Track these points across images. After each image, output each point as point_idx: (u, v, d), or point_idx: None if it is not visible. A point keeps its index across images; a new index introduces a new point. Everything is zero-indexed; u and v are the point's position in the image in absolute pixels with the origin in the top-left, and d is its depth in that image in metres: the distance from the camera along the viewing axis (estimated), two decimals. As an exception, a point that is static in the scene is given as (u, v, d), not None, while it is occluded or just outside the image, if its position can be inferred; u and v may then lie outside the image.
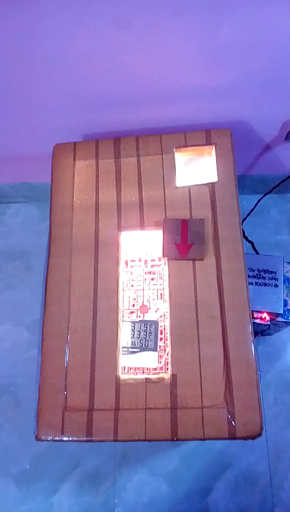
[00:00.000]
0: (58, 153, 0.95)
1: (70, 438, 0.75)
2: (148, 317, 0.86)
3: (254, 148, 1.15)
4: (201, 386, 0.76)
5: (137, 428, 0.74)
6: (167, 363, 0.80)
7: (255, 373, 0.75)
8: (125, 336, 0.84)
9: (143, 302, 0.87)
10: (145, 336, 0.85)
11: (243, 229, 1.22)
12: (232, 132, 0.93)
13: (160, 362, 0.82)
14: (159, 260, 0.88)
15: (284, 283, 1.01)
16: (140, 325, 0.86)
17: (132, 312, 0.86)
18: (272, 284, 0.95)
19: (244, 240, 1.20)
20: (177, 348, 0.79)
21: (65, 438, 0.75)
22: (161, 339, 0.84)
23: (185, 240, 0.85)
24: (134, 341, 0.84)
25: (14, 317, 1.33)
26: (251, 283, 0.96)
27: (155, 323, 0.86)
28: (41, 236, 1.40)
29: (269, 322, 0.97)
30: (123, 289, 0.86)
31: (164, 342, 0.83)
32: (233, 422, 0.73)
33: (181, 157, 0.93)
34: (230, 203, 0.87)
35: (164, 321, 0.84)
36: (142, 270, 0.89)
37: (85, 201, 0.91)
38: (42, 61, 0.84)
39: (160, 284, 0.87)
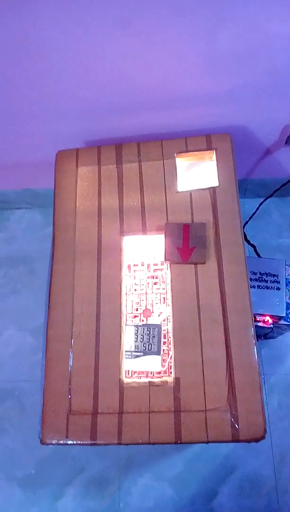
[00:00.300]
0: (61, 160, 0.96)
1: (75, 442, 0.76)
2: (151, 321, 0.86)
3: (255, 152, 1.16)
4: (204, 389, 0.76)
5: (141, 431, 0.75)
6: (171, 366, 0.81)
7: (258, 376, 0.76)
8: (128, 340, 0.84)
9: (146, 306, 0.88)
10: (148, 340, 0.86)
11: (245, 233, 1.23)
12: (233, 136, 0.94)
13: (164, 366, 0.83)
14: (162, 264, 0.89)
15: (286, 286, 1.02)
16: (143, 329, 0.86)
17: (135, 316, 0.86)
18: (274, 287, 0.96)
19: (246, 243, 1.21)
20: (180, 351, 0.80)
21: (69, 442, 0.75)
22: (164, 343, 0.85)
23: (187, 244, 0.85)
24: (138, 345, 0.85)
25: (18, 322, 1.34)
26: (254, 286, 0.96)
27: (158, 327, 0.86)
28: (45, 242, 1.41)
29: (271, 325, 0.97)
30: (126, 293, 0.87)
31: (168, 346, 0.84)
32: (236, 425, 0.73)
33: (182, 162, 0.94)
34: (231, 207, 0.88)
35: (167, 325, 0.85)
36: (145, 274, 0.89)
37: (88, 207, 0.92)
38: (44, 69, 0.86)
39: (163, 288, 0.88)
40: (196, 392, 0.76)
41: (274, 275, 0.96)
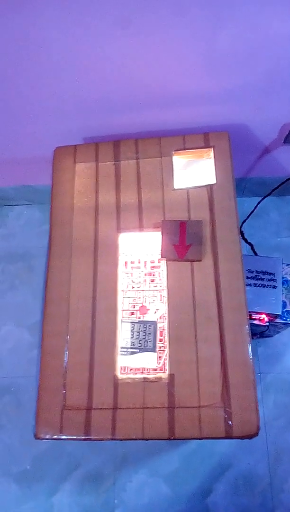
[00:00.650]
0: (59, 156, 0.96)
1: (69, 437, 0.76)
2: (148, 318, 0.86)
3: (254, 151, 1.16)
4: (198, 386, 0.77)
5: (134, 427, 0.75)
6: (165, 363, 0.81)
7: (252, 373, 0.76)
8: (124, 337, 0.84)
9: (142, 303, 0.88)
10: (144, 337, 0.86)
11: (242, 231, 1.23)
12: (232, 135, 0.94)
13: (159, 363, 0.83)
14: (159, 261, 0.89)
15: (283, 285, 1.02)
16: (139, 325, 0.86)
17: (132, 313, 0.86)
18: (270, 285, 0.96)
19: (244, 242, 1.21)
20: (175, 348, 0.80)
21: (63, 437, 0.76)
22: (161, 340, 0.85)
23: (183, 241, 0.86)
24: (134, 342, 0.85)
25: (16, 318, 1.35)
26: (250, 285, 0.96)
27: (154, 323, 0.86)
28: (43, 238, 1.42)
29: (267, 323, 0.97)
30: (123, 290, 0.87)
31: (163, 343, 0.84)
32: (230, 422, 0.73)
33: (180, 160, 0.94)
34: (228, 205, 0.88)
35: (163, 322, 0.85)
36: (142, 271, 0.89)
37: (85, 203, 0.92)
38: (43, 67, 0.86)
39: (159, 285, 0.88)
40: (190, 388, 0.77)
41: (270, 274, 0.97)
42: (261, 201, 1.20)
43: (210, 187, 0.90)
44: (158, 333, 0.85)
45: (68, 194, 0.93)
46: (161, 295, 0.87)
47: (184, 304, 0.83)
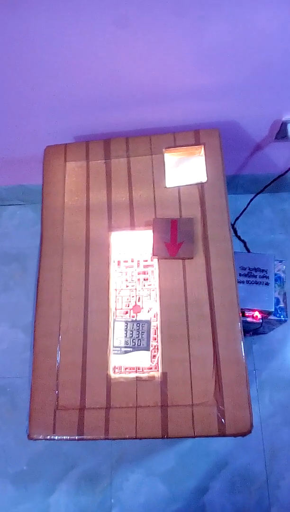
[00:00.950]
0: (49, 155, 0.96)
1: (62, 437, 0.76)
2: (141, 316, 0.86)
3: (246, 148, 1.16)
4: (191, 384, 0.76)
5: (128, 426, 0.75)
6: (158, 362, 0.80)
7: (245, 371, 0.76)
8: (118, 336, 0.84)
9: (136, 302, 0.87)
10: (137, 336, 0.86)
11: (235, 228, 1.23)
12: (223, 132, 0.93)
13: (153, 361, 0.83)
14: (152, 260, 0.89)
15: (276, 281, 1.02)
16: (133, 324, 0.86)
17: (126, 312, 0.86)
18: (263, 282, 0.96)
19: (237, 239, 1.21)
20: (168, 346, 0.80)
21: (56, 437, 0.76)
22: (154, 338, 0.84)
23: (175, 239, 0.85)
24: (127, 341, 0.85)
25: (10, 319, 1.34)
26: (243, 282, 0.96)
27: (148, 322, 0.86)
28: (37, 238, 1.39)
29: (261, 320, 0.97)
30: (116, 289, 0.87)
31: (157, 342, 0.84)
32: (223, 420, 0.73)
33: (170, 158, 0.94)
34: (219, 202, 0.88)
35: (157, 321, 0.85)
36: (135, 270, 0.89)
37: (76, 202, 0.92)
38: (33, 65, 0.85)
39: (153, 284, 0.88)
40: (183, 387, 0.76)
41: (263, 270, 0.96)
42: (253, 198, 1.20)
43: (201, 184, 0.90)
44: (151, 331, 0.84)
45: (59, 193, 0.93)
46: (154, 294, 0.87)
47: (176, 302, 0.82)
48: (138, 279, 0.88)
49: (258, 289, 0.96)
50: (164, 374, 0.78)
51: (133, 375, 0.79)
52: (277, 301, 1.01)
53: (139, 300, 0.87)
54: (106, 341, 0.82)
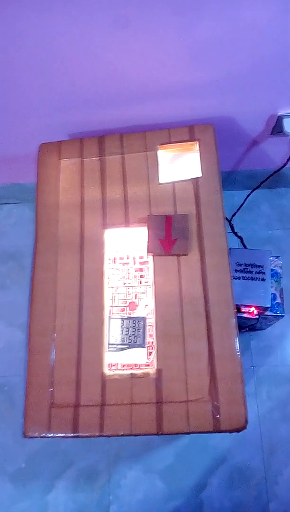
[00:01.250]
0: (43, 153, 0.96)
1: (57, 434, 0.76)
2: (137, 313, 0.86)
3: (242, 143, 1.16)
4: (186, 381, 0.76)
5: (122, 423, 0.75)
6: (153, 358, 0.80)
7: (240, 367, 0.76)
8: (113, 333, 0.84)
9: (132, 299, 0.87)
10: (133, 333, 0.85)
11: (232, 224, 1.23)
12: (218, 128, 0.93)
13: (150, 358, 0.82)
14: (148, 257, 0.89)
15: (272, 277, 1.01)
16: (129, 321, 0.86)
17: (122, 310, 0.86)
18: (259, 278, 0.96)
19: (234, 235, 1.21)
20: (163, 343, 0.80)
21: (51, 435, 0.76)
22: (151, 335, 0.84)
23: (169, 236, 0.85)
24: (123, 338, 0.84)
25: (7, 317, 1.34)
26: (239, 278, 0.96)
27: (144, 319, 0.86)
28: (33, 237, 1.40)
29: (257, 316, 0.97)
30: (112, 287, 0.87)
31: (153, 338, 0.83)
32: (217, 416, 0.73)
33: (165, 154, 0.93)
34: (213, 198, 0.87)
35: (153, 318, 0.84)
36: (131, 267, 0.89)
37: (70, 200, 0.91)
38: (28, 62, 0.85)
39: (149, 281, 0.87)
40: (178, 383, 0.76)
41: (259, 266, 0.96)
42: (250, 194, 1.19)
43: (196, 180, 0.89)
44: (147, 328, 0.84)
45: (53, 191, 0.92)
46: (151, 291, 0.86)
47: (171, 299, 0.82)
48: (135, 276, 0.88)
49: (254, 285, 0.95)
50: (159, 371, 0.78)
51: (128, 372, 0.79)
52: (274, 297, 1.00)
53: (135, 297, 0.86)
54: (101, 338, 0.82)
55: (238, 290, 0.95)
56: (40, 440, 0.77)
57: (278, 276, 1.03)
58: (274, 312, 0.99)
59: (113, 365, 0.81)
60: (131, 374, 0.79)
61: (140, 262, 0.89)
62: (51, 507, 1.15)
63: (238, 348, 0.77)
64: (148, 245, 0.85)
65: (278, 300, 1.01)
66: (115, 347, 0.84)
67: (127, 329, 0.85)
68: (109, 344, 0.83)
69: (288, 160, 1.07)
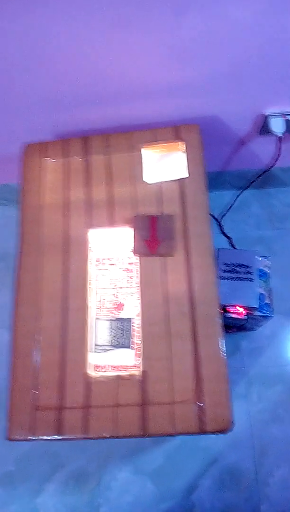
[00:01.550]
0: (28, 153, 0.95)
1: (41, 437, 0.75)
2: (124, 314, 0.85)
3: (230, 143, 1.15)
4: (171, 382, 0.76)
5: (107, 425, 0.74)
6: (139, 360, 0.80)
7: (225, 367, 0.75)
8: (100, 335, 0.83)
9: (120, 300, 0.86)
10: (121, 334, 0.85)
11: (222, 225, 1.22)
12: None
13: (138, 360, 0.82)
14: (136, 258, 0.88)
15: (261, 277, 1.01)
16: (116, 323, 0.85)
17: (109, 311, 0.85)
18: (247, 278, 0.95)
19: (223, 235, 1.20)
20: (148, 344, 0.79)
21: (35, 437, 0.75)
22: (138, 336, 0.83)
23: (155, 236, 0.84)
24: (110, 339, 0.84)
25: (-3, 319, 1.33)
26: (226, 278, 0.95)
27: (130, 320, 0.85)
28: (24, 238, 1.39)
29: (245, 316, 0.96)
30: (99, 287, 0.86)
31: (139, 339, 0.83)
32: (203, 417, 0.72)
33: (151, 154, 0.93)
34: (199, 198, 0.87)
35: (139, 318, 0.84)
36: (119, 268, 0.88)
37: (55, 200, 0.91)
38: (11, 62, 0.84)
39: (136, 281, 0.87)
40: (163, 384, 0.76)
41: (247, 266, 0.96)
42: (239, 194, 1.19)
43: (181, 180, 0.89)
44: (138, 330, 0.83)
45: (38, 191, 0.92)
46: (137, 291, 0.86)
47: (156, 299, 0.82)
48: (122, 277, 0.87)
49: (242, 285, 0.95)
50: (144, 372, 0.77)
51: (114, 373, 0.78)
52: (263, 297, 1.00)
53: (123, 298, 0.86)
54: (85, 339, 0.81)
55: (226, 290, 0.94)
56: (29, 442, 0.76)
57: (266, 276, 1.02)
58: (262, 313, 0.99)
59: (99, 367, 0.80)
60: (117, 375, 0.78)
61: (128, 263, 0.89)
62: (40, 510, 1.15)
63: (223, 348, 0.76)
64: (133, 246, 0.85)
65: (267, 301, 1.00)
66: (101, 349, 0.83)
67: (114, 331, 0.85)
68: (95, 345, 0.83)
69: (276, 160, 1.07)
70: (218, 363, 0.75)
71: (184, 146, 0.91)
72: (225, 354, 0.76)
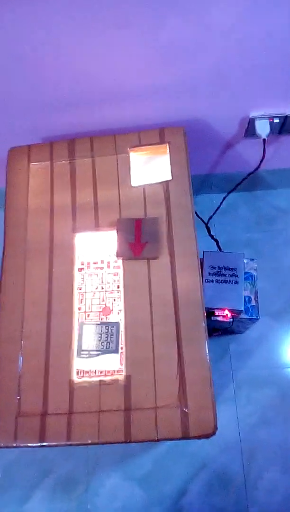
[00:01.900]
0: (13, 157, 0.94)
1: (23, 444, 0.74)
2: (111, 319, 0.85)
3: (217, 146, 1.15)
4: (155, 386, 0.75)
5: (90, 431, 0.73)
6: (122, 364, 0.79)
7: (209, 371, 0.74)
8: (86, 339, 0.82)
9: (105, 304, 0.86)
10: (106, 338, 0.84)
11: (209, 227, 1.22)
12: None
13: (122, 364, 0.81)
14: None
15: (247, 280, 1.01)
16: (102, 327, 0.85)
17: (95, 315, 0.84)
18: (232, 281, 0.95)
19: (210, 238, 1.20)
20: (132, 348, 0.79)
21: (17, 444, 0.74)
22: (122, 340, 0.83)
23: (139, 239, 0.84)
24: (96, 344, 0.83)
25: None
26: (212, 281, 0.95)
27: (117, 324, 0.84)
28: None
29: (231, 319, 0.96)
30: (86, 292, 0.85)
31: (123, 343, 0.82)
32: (186, 422, 0.72)
33: (136, 157, 0.92)
34: (183, 200, 0.86)
35: (122, 322, 0.83)
36: (105, 271, 0.87)
37: (40, 204, 0.90)
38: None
39: (121, 285, 0.86)
40: (147, 389, 0.75)
41: (232, 269, 0.95)
42: (225, 197, 1.19)
43: (166, 183, 0.88)
44: (121, 334, 0.82)
45: (23, 194, 0.91)
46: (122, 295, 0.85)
47: (140, 303, 0.81)
48: (109, 281, 0.86)
49: (227, 288, 0.94)
50: (127, 377, 0.76)
51: (97, 379, 0.78)
52: (249, 300, 1.00)
53: (109, 302, 0.85)
54: (69, 345, 0.80)
55: (211, 293, 0.94)
56: (17, 448, 0.75)
57: (253, 278, 1.02)
58: (248, 315, 0.98)
59: (82, 372, 0.80)
60: (100, 381, 0.77)
61: (114, 267, 0.88)
62: (28, 518, 1.13)
63: (208, 351, 0.76)
64: (117, 249, 0.84)
65: (253, 303, 1.00)
66: (87, 354, 0.82)
67: (100, 335, 0.84)
68: (81, 350, 0.82)
69: (260, 162, 1.07)
70: (202, 367, 0.75)
71: (169, 148, 0.90)
72: (209, 358, 0.75)
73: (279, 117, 1.01)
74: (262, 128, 1.02)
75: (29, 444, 0.74)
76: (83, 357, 0.81)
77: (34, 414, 0.75)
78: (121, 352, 0.81)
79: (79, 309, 0.84)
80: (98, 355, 0.82)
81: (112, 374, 0.78)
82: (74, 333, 0.81)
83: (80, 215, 0.89)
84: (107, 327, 0.84)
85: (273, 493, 1.11)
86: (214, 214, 1.22)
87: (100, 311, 0.85)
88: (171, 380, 0.75)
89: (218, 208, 1.21)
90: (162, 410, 0.73)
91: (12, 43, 0.79)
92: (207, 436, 0.71)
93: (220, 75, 0.89)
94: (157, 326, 0.79)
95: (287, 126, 1.04)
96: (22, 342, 0.80)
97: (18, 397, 0.77)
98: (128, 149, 0.92)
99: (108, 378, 0.77)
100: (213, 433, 0.71)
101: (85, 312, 0.84)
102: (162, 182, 0.88)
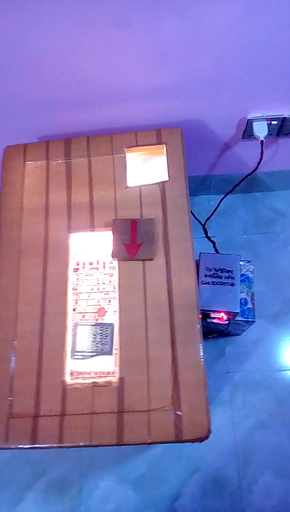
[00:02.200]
0: (8, 155, 0.94)
1: (14, 446, 0.73)
2: (106, 320, 0.84)
3: (215, 147, 1.15)
4: (148, 389, 0.74)
5: (82, 433, 0.72)
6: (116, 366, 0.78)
7: (203, 373, 0.74)
8: (80, 340, 0.82)
9: (101, 304, 0.85)
10: (101, 340, 0.83)
11: (206, 229, 1.21)
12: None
13: (116, 366, 0.80)
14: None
15: (244, 282, 1.00)
16: (97, 328, 0.84)
17: (90, 316, 0.83)
18: (229, 283, 0.94)
19: (207, 239, 1.20)
20: (126, 350, 0.78)
21: (8, 446, 0.73)
22: (116, 342, 0.82)
23: (134, 240, 0.83)
24: (90, 345, 0.82)
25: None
26: (208, 283, 0.94)
27: (111, 326, 0.84)
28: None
29: (227, 322, 0.95)
30: (81, 292, 0.84)
31: (117, 345, 0.81)
32: (180, 425, 0.71)
33: (132, 157, 0.92)
34: (180, 202, 0.86)
35: (117, 323, 0.82)
36: (101, 272, 0.86)
37: (35, 203, 0.89)
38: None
39: (116, 286, 0.85)
40: (140, 392, 0.74)
41: (229, 271, 0.95)
42: (223, 198, 1.18)
43: (162, 184, 0.88)
44: (115, 335, 0.82)
45: (18, 194, 0.90)
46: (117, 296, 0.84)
47: (135, 304, 0.80)
48: (104, 282, 0.86)
49: (223, 290, 0.94)
50: (121, 379, 0.76)
51: (90, 380, 0.77)
52: (245, 302, 0.99)
53: (104, 303, 0.84)
54: (62, 346, 0.79)
55: (208, 295, 0.93)
56: (10, 450, 0.74)
57: (249, 281, 1.01)
58: (245, 317, 0.98)
59: (75, 374, 0.79)
60: (93, 382, 0.76)
61: (109, 267, 0.87)
62: (20, 520, 1.12)
63: (202, 354, 0.75)
64: (112, 250, 0.83)
65: (249, 305, 0.99)
66: (81, 355, 0.81)
67: (95, 336, 0.83)
68: (75, 351, 0.81)
69: (258, 164, 1.06)
70: (196, 370, 0.74)
71: (165, 149, 0.90)
72: (204, 360, 0.74)
73: (277, 119, 1.01)
74: (260, 130, 1.01)
75: (21, 446, 0.73)
76: (77, 358, 0.80)
77: (26, 416, 0.74)
78: (115, 354, 0.80)
79: (74, 309, 0.83)
80: (92, 356, 0.81)
81: (105, 376, 0.77)
82: (68, 334, 0.80)
83: (75, 215, 0.88)
84: (102, 328, 0.83)
85: (268, 497, 1.10)
86: (211, 215, 1.22)
87: (95, 312, 0.84)
88: (165, 383, 0.74)
89: (215, 209, 1.21)
90: (156, 413, 0.72)
91: (9, 42, 0.78)
92: (200, 440, 0.70)
93: (218, 76, 0.88)
94: (151, 328, 0.78)
95: (285, 128, 1.04)
96: (15, 342, 0.79)
97: (10, 398, 0.76)
98: (125, 149, 0.91)
99: (101, 380, 0.76)
100: (207, 437, 0.70)
101: (79, 312, 0.83)
102: (158, 182, 0.88)
